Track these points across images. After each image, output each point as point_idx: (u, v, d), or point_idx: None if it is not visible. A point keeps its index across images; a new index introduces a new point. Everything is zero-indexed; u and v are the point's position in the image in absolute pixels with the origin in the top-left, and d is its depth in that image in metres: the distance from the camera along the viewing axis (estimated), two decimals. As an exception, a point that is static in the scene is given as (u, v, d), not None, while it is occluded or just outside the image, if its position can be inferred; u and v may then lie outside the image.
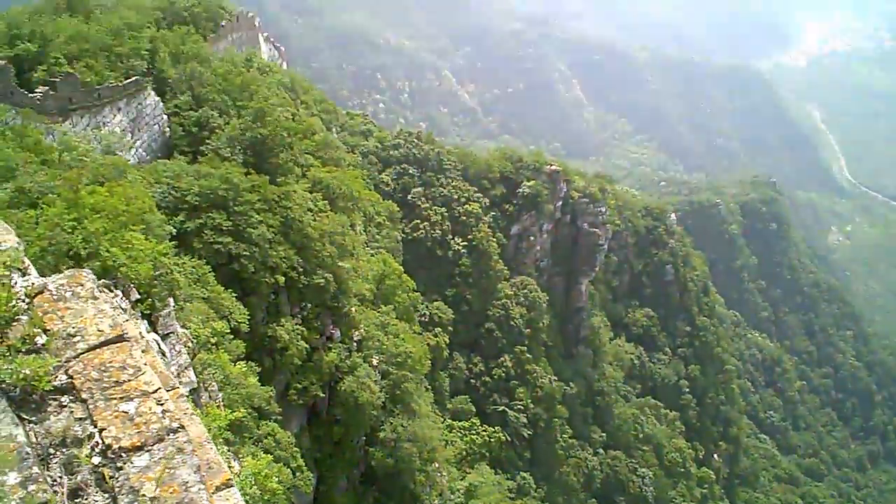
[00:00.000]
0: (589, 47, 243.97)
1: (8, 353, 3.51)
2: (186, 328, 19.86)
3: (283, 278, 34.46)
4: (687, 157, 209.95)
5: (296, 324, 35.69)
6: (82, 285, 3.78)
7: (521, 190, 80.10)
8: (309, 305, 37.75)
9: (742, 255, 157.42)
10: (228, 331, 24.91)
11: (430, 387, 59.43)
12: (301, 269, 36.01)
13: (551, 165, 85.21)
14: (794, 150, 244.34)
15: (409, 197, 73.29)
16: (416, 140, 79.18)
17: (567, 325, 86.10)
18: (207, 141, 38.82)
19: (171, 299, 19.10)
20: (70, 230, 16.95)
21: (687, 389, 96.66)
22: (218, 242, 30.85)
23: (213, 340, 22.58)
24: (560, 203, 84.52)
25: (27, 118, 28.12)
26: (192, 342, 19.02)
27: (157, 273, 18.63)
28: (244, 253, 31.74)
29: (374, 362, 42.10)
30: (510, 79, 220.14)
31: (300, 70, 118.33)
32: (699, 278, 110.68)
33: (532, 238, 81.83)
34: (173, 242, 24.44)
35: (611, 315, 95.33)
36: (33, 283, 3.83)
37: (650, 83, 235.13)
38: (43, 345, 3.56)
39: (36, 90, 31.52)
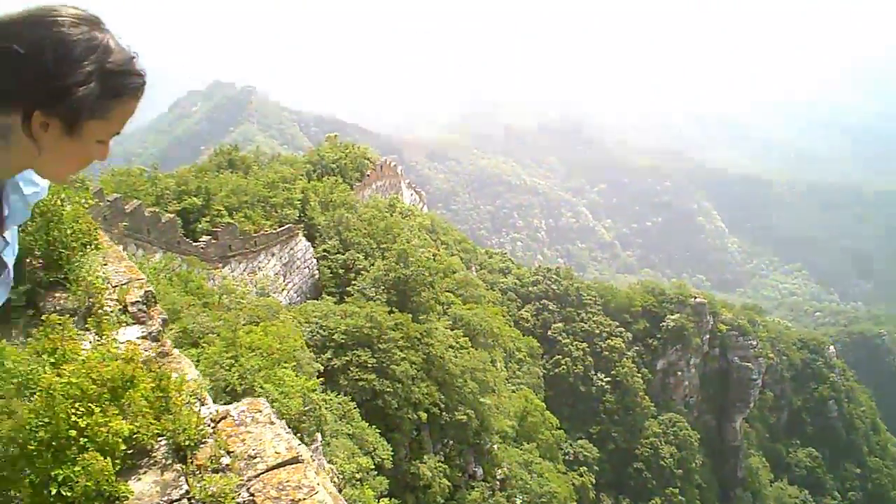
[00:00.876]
0: (727, 177, 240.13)
1: (198, 472, 3.82)
2: (333, 463, 20.15)
3: (426, 415, 34.49)
4: (841, 285, 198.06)
5: (438, 461, 35.35)
6: (260, 412, 4.09)
7: (665, 323, 77.76)
8: (451, 442, 37.43)
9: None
10: (373, 467, 25.03)
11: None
12: (443, 406, 35.98)
13: (696, 298, 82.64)
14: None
15: (549, 332, 72.62)
16: (554, 276, 79.18)
17: (722, 465, 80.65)
18: (353, 282, 40.54)
19: (318, 434, 19.58)
20: (228, 367, 17.98)
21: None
22: (363, 379, 31.49)
23: (357, 476, 22.76)
24: (707, 336, 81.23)
25: (192, 265, 30.48)
26: (338, 477, 19.19)
27: (306, 408, 19.25)
28: (388, 389, 32.17)
29: (518, 502, 40.79)
30: (647, 212, 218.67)
31: (440, 212, 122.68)
32: (866, 415, 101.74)
33: (679, 373, 78.56)
34: (321, 379, 25.25)
35: (770, 455, 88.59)
36: (218, 410, 4.17)
37: (794, 210, 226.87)
38: (227, 465, 3.82)
39: (200, 239, 34.23)
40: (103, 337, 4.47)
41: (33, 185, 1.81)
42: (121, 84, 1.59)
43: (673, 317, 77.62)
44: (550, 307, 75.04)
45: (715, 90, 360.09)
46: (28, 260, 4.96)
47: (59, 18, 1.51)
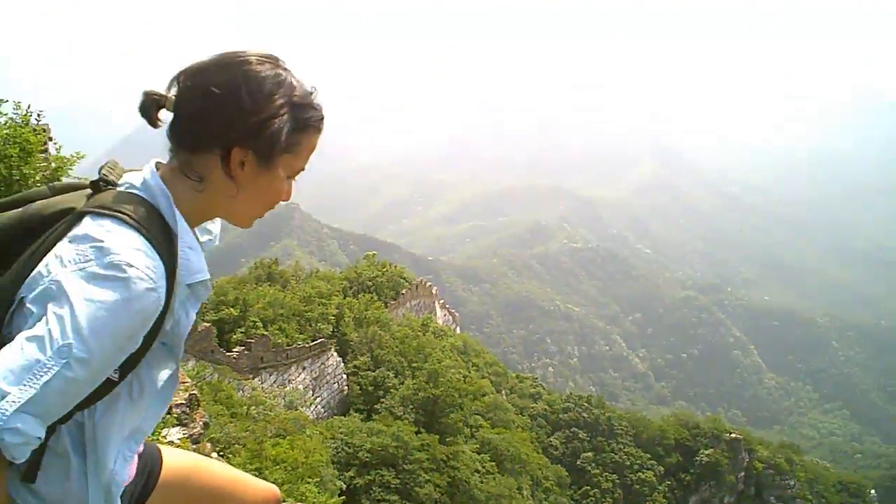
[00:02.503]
0: (766, 313, 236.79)
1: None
2: (350, 585, 19.71)
3: (448, 541, 33.64)
4: (883, 427, 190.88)
5: (459, 592, 34.17)
6: None
7: (698, 458, 75.33)
8: (473, 573, 36.21)
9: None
10: None
11: None
12: (466, 533, 35.08)
13: (731, 433, 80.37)
14: None
15: (578, 462, 70.66)
16: (586, 404, 77.82)
17: None
18: (382, 400, 40.41)
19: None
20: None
21: None
22: (385, 500, 30.94)
23: None
24: (742, 474, 78.38)
25: (223, 374, 30.85)
26: None
27: (326, 527, 19.04)
28: (410, 513, 31.59)
29: None
30: (683, 344, 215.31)
31: (473, 334, 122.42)
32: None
33: (713, 511, 75.56)
34: (342, 497, 24.95)
35: None
36: None
37: (836, 349, 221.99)
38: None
39: (233, 350, 34.74)
40: (153, 434, 4.80)
41: (207, 233, 1.87)
42: (307, 117, 1.68)
43: (707, 452, 75.30)
44: (581, 436, 73.39)
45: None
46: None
47: (247, 58, 1.63)
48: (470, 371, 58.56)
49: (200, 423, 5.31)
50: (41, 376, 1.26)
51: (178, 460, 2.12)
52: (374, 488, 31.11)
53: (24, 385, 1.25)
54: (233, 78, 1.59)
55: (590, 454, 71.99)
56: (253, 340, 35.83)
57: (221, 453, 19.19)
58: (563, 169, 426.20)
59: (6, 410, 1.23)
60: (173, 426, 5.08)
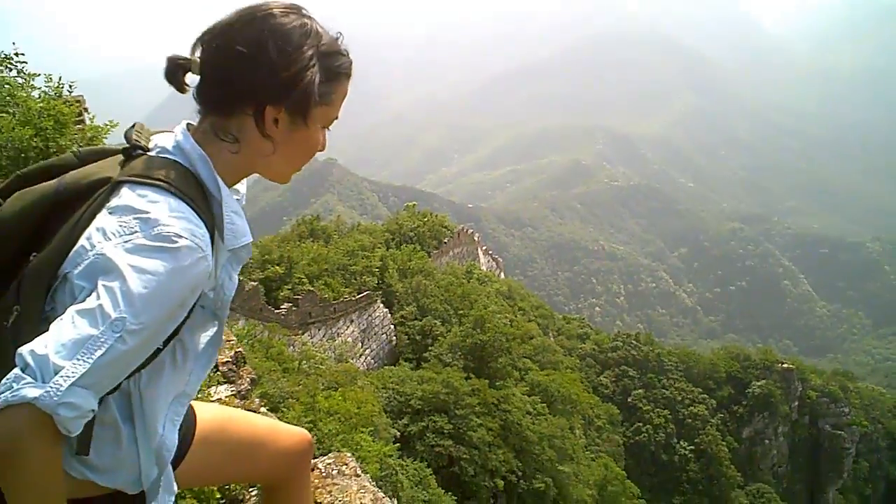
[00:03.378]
0: (814, 241, 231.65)
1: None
2: (409, 529, 20.19)
3: (503, 482, 34.12)
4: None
5: (516, 531, 34.82)
6: (347, 464, 4.25)
7: (750, 390, 75.01)
8: (529, 512, 36.82)
9: None
10: (448, 534, 24.89)
11: None
12: (520, 474, 35.52)
13: (783, 364, 79.70)
14: None
15: (629, 399, 70.88)
16: (634, 341, 77.71)
17: (815, 539, 76.44)
18: (430, 348, 40.84)
19: (395, 500, 19.69)
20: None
21: None
22: (439, 445, 31.45)
23: (434, 543, 22.67)
24: (796, 404, 77.93)
25: (273, 331, 31.39)
26: (414, 543, 19.26)
27: (383, 474, 19.45)
28: (464, 456, 32.03)
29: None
30: (731, 277, 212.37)
31: (517, 278, 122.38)
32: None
33: (767, 442, 75.34)
34: (397, 445, 25.45)
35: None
36: None
37: (888, 273, 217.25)
38: (315, 515, 4.02)
39: (281, 306, 35.27)
40: (199, 393, 4.90)
41: (235, 193, 1.76)
42: (337, 65, 1.64)
43: (759, 383, 74.93)
44: (630, 373, 73.45)
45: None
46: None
47: (270, 10, 1.57)
48: (516, 315, 58.74)
49: (247, 379, 5.39)
50: (95, 350, 1.26)
51: (211, 414, 2.14)
52: (427, 434, 31.63)
53: (78, 360, 1.24)
54: (259, 33, 1.54)
55: (640, 391, 72.08)
56: (300, 296, 36.32)
57: (274, 408, 19.64)
58: (598, 106, 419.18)
59: (61, 386, 1.22)
60: (220, 384, 5.16)
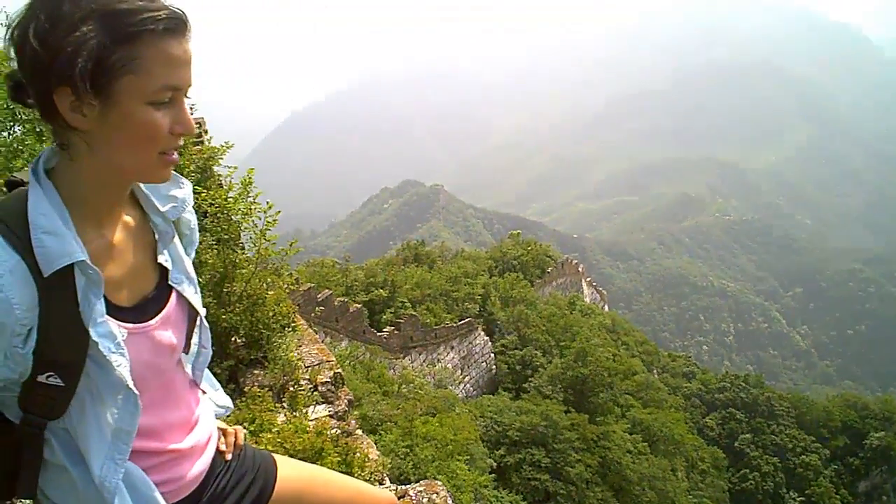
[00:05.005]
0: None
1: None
2: (502, 563, 19.77)
3: (601, 522, 33.20)
4: None
5: (612, 573, 33.70)
6: (437, 493, 4.20)
7: (868, 442, 70.64)
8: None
9: None
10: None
11: None
12: (619, 514, 34.51)
13: (906, 415, 74.98)
14: None
15: (736, 444, 67.96)
16: (743, 383, 74.70)
17: None
18: (530, 379, 40.37)
19: (488, 532, 19.35)
20: (403, 456, 18.33)
21: None
22: (536, 479, 30.88)
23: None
24: (920, 459, 73.03)
25: (374, 354, 31.69)
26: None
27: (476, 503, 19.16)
28: (561, 491, 31.31)
29: None
30: (849, 320, 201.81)
31: (621, 312, 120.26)
32: None
33: (885, 498, 70.61)
34: (493, 476, 25.08)
35: None
36: (398, 487, 4.35)
37: None
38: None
39: (384, 329, 35.61)
40: (297, 412, 4.82)
41: (172, 200, 1.64)
42: (128, 22, 1.32)
43: (878, 435, 70.52)
44: (738, 417, 70.53)
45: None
46: (233, 339, 5.45)
47: None
48: (619, 350, 57.55)
49: (345, 400, 5.30)
50: None
51: (294, 473, 1.99)
52: (524, 467, 31.12)
53: None
54: (31, 10, 1.31)
55: (748, 436, 69.05)
56: (402, 320, 36.57)
57: (373, 430, 19.68)
58: (710, 137, 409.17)
59: None
60: (318, 404, 5.10)
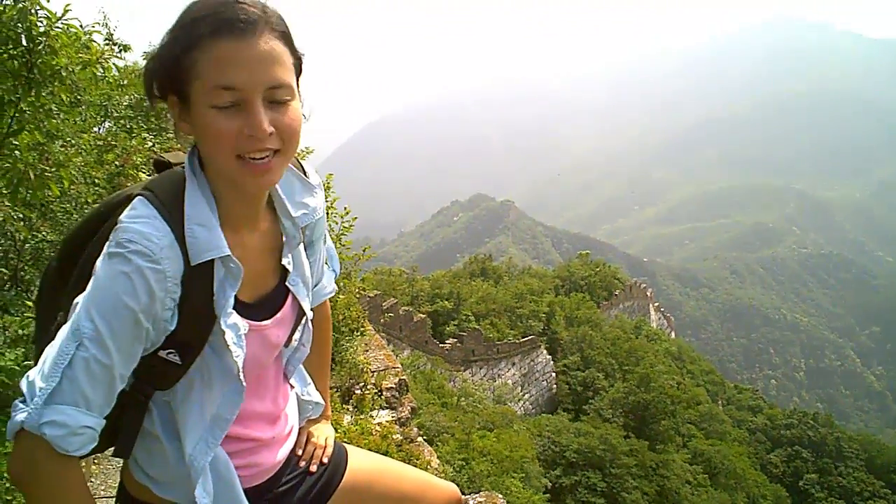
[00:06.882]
0: None
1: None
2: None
3: (655, 552, 32.55)
4: None
5: None
6: None
7: (944, 492, 67.69)
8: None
9: None
10: None
11: None
12: (675, 546, 33.79)
13: None
14: None
15: (800, 483, 65.65)
16: (811, 421, 72.26)
17: None
18: (591, 401, 39.95)
19: (540, 552, 19.22)
20: (458, 469, 18.35)
21: None
22: (590, 502, 30.52)
23: None
24: None
25: (436, 365, 31.83)
26: None
27: (530, 523, 19.05)
28: (616, 517, 30.91)
29: None
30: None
31: (688, 340, 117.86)
32: None
33: (958, 552, 67.41)
34: (547, 496, 24.87)
35: None
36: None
37: None
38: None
39: (446, 341, 35.74)
40: (363, 414, 4.94)
41: (303, 207, 1.68)
42: (195, 30, 1.36)
43: (953, 485, 67.38)
44: (804, 455, 68.18)
45: None
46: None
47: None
48: (684, 378, 56.46)
49: (408, 407, 5.40)
50: (62, 364, 1.26)
51: (363, 464, 2.05)
52: (579, 489, 30.78)
53: (51, 376, 1.26)
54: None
55: (814, 476, 66.66)
56: (465, 333, 36.68)
57: (430, 441, 19.76)
58: (790, 168, 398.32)
59: (38, 405, 1.24)
60: (383, 409, 5.21)
